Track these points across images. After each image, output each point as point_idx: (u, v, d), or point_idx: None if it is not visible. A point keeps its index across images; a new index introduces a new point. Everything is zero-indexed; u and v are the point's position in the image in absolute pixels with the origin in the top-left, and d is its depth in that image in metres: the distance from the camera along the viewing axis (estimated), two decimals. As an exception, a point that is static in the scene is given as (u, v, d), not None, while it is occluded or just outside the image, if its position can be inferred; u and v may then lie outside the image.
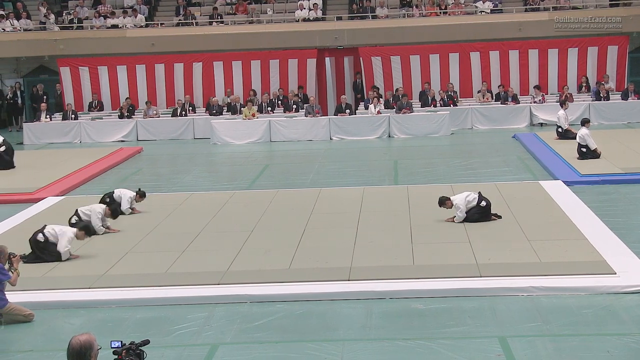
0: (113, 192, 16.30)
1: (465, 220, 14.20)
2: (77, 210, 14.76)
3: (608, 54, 29.67)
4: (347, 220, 14.82)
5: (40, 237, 12.92)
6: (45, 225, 13.16)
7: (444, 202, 14.40)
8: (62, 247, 12.82)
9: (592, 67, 29.74)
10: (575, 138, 20.63)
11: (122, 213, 15.65)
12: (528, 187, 17.35)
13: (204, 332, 9.90)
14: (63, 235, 12.89)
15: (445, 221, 14.32)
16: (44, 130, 28.36)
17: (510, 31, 30.67)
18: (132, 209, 16.15)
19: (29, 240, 12.97)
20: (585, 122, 20.67)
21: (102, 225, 14.61)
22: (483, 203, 14.28)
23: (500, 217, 14.46)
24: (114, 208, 14.88)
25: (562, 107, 24.02)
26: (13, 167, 22.15)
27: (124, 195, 16.15)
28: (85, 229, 13.26)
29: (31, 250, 12.92)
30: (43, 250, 12.87)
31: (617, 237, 12.98)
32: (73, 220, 14.59)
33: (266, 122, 26.81)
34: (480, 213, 14.23)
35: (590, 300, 10.46)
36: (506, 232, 13.61)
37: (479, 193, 14.37)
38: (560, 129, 23.53)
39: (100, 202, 15.77)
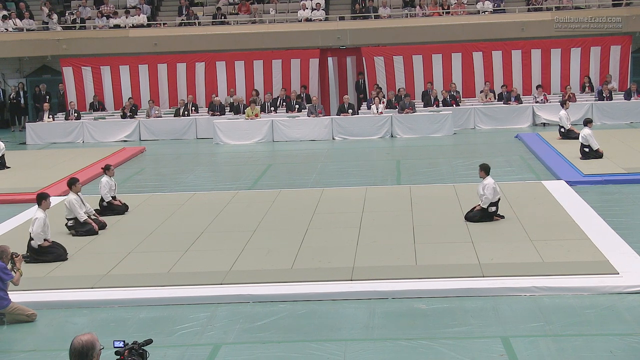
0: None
1: (469, 220, 14.22)
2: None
3: (611, 53, 29.65)
4: (349, 220, 14.81)
5: (33, 243, 12.91)
6: (30, 234, 13.04)
7: (483, 169, 14.53)
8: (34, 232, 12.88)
9: (595, 67, 29.73)
10: (577, 138, 20.62)
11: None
12: (531, 187, 17.34)
13: (207, 332, 9.90)
14: (35, 221, 12.92)
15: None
16: (46, 130, 28.37)
17: (513, 31, 30.67)
18: (113, 197, 16.20)
19: (27, 251, 12.94)
20: (587, 122, 20.63)
21: (86, 212, 14.64)
22: (493, 208, 14.29)
23: (502, 217, 14.46)
24: (71, 182, 14.67)
25: (562, 107, 24.01)
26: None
27: (100, 183, 16.21)
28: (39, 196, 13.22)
29: (29, 254, 12.92)
30: (42, 254, 12.87)
31: (620, 237, 12.98)
32: (70, 224, 14.62)
33: (269, 122, 26.82)
34: (485, 215, 14.25)
35: (593, 300, 10.45)
36: (509, 232, 13.60)
37: (499, 198, 14.40)
38: (562, 129, 23.52)
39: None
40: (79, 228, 14.46)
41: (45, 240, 12.95)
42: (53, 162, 23.00)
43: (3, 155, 22.31)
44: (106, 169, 16.56)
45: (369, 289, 11.02)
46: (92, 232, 14.39)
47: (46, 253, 12.91)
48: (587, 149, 19.92)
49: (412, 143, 25.25)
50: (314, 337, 9.62)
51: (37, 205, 13.30)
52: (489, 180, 14.41)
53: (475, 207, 14.42)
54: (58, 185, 19.45)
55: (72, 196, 14.58)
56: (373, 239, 13.47)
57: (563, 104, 24.26)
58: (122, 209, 16.21)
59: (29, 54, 32.68)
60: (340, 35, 31.11)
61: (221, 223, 15.12)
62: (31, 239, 12.89)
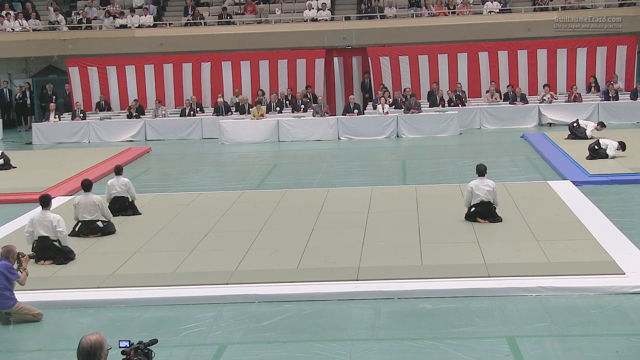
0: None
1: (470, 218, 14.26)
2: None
3: (617, 53, 29.61)
4: (355, 220, 14.81)
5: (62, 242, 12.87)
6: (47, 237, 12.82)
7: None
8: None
9: (601, 67, 29.69)
10: (585, 137, 20.53)
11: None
12: (536, 187, 17.32)
13: (212, 332, 9.91)
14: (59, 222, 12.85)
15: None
16: (52, 130, 28.43)
17: (519, 31, 30.64)
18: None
19: (33, 248, 12.78)
20: (621, 145, 20.06)
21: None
22: (474, 209, 14.22)
23: (500, 220, 14.29)
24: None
25: (597, 125, 23.21)
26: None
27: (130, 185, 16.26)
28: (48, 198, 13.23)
29: (34, 252, 12.83)
30: (71, 253, 12.85)
31: (626, 237, 12.95)
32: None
33: (274, 122, 26.83)
34: (474, 212, 14.25)
35: (599, 301, 10.43)
36: (514, 232, 13.59)
37: (481, 201, 14.23)
38: (575, 124, 23.36)
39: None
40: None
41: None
42: (59, 162, 23.03)
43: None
44: (117, 171, 16.48)
45: (375, 289, 11.02)
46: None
47: (71, 252, 12.90)
48: (597, 147, 19.87)
49: (417, 143, 25.24)
50: (319, 337, 9.62)
51: (43, 207, 13.11)
52: (470, 184, 14.50)
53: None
54: (64, 185, 19.49)
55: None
56: (379, 239, 13.46)
57: (599, 124, 23.38)
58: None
59: (35, 54, 32.75)
60: (346, 35, 31.11)
61: (227, 223, 15.13)
62: (56, 240, 12.75)
